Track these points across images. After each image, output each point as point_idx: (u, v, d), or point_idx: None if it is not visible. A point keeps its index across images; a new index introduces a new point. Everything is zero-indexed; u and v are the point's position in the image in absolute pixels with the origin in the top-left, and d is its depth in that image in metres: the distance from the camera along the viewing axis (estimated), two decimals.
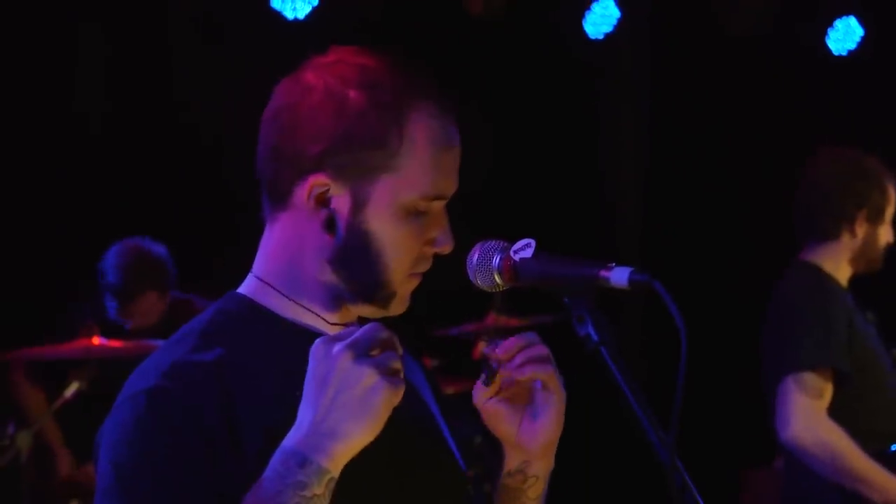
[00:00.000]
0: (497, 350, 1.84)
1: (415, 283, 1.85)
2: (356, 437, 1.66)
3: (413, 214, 1.80)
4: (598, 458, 6.12)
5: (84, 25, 5.75)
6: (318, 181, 1.78)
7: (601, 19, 6.44)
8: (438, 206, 1.83)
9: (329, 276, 1.82)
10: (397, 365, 1.68)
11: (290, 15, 5.80)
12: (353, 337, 1.67)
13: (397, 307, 1.85)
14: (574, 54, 6.58)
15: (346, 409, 1.65)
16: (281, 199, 1.82)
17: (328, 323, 1.85)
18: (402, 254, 1.81)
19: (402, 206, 1.78)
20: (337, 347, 1.66)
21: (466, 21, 6.29)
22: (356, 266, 1.81)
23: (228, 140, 5.74)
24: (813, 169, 4.15)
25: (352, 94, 1.78)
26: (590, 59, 6.66)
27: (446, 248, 1.84)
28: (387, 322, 1.75)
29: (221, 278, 2.03)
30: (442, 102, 1.82)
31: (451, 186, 1.83)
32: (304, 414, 1.67)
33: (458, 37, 6.23)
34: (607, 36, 6.45)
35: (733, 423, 6.28)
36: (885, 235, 4.10)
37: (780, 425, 3.91)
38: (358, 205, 1.79)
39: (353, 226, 1.79)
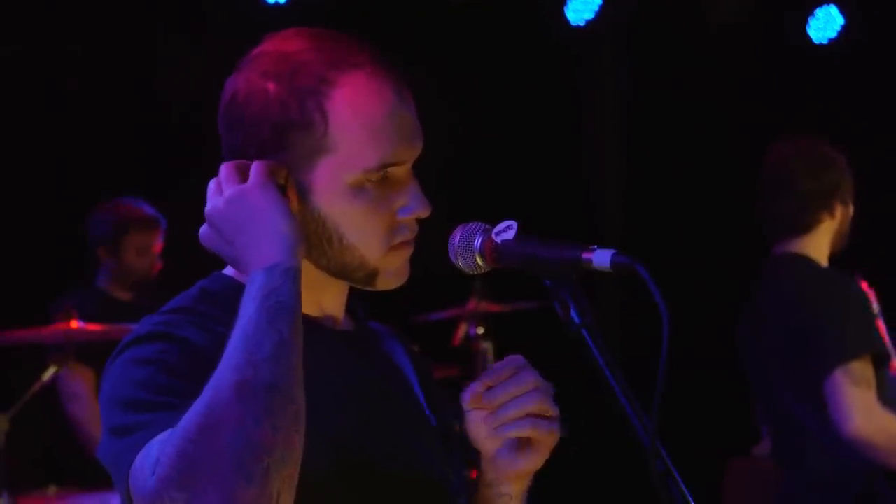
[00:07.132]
0: (482, 389, 1.76)
1: (402, 253, 1.82)
2: None
3: (364, 189, 1.77)
4: (582, 443, 6.13)
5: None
6: None
7: (582, 6, 6.44)
8: (397, 172, 1.79)
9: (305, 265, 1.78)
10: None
11: None
12: (262, 176, 1.70)
13: (388, 282, 1.83)
14: (555, 41, 6.57)
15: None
16: None
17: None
18: (365, 231, 1.78)
19: (348, 184, 1.76)
20: (262, 189, 1.69)
21: (447, 5, 6.28)
22: (321, 252, 1.80)
23: (207, 123, 5.71)
24: (777, 167, 4.19)
25: (270, 86, 1.77)
26: (571, 46, 6.66)
27: (421, 212, 1.81)
28: (370, 308, 1.73)
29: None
30: (375, 69, 1.78)
31: (404, 151, 1.79)
32: (269, 243, 1.67)
33: (440, 21, 6.21)
34: (588, 23, 6.45)
35: (713, 409, 6.29)
36: (851, 210, 4.20)
37: (839, 421, 3.88)
38: (304, 193, 1.77)
39: (305, 214, 1.77)
